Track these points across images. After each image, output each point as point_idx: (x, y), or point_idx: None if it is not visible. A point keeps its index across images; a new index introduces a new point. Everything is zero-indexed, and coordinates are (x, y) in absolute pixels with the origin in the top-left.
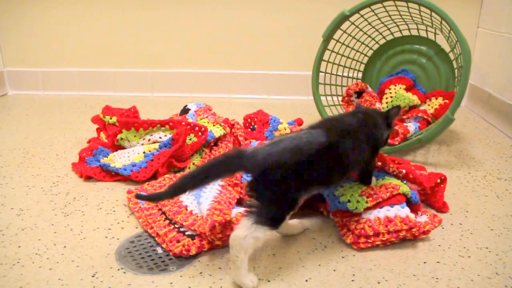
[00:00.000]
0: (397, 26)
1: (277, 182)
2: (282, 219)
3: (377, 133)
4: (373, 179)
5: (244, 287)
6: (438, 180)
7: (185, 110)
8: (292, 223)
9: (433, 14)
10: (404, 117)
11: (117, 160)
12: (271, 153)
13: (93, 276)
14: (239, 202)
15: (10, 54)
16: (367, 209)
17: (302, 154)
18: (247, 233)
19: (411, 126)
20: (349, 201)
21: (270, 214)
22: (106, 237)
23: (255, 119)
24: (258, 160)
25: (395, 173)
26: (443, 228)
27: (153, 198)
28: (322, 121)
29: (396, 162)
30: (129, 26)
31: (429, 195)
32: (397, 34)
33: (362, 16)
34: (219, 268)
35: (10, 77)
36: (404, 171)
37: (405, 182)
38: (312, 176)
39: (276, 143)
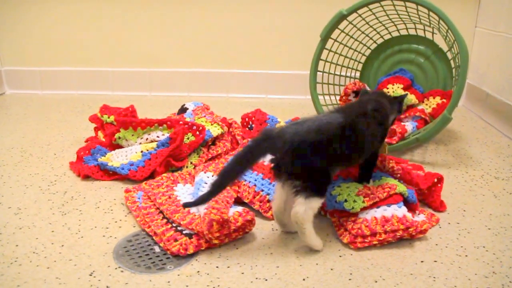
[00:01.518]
0: (395, 25)
1: (304, 158)
2: (326, 188)
3: (387, 120)
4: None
5: (316, 247)
6: (435, 180)
7: (183, 109)
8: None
9: (430, 13)
10: (402, 116)
11: (115, 159)
12: (297, 132)
13: (90, 275)
14: (237, 201)
15: (8, 53)
16: (364, 209)
17: (323, 133)
18: (305, 207)
19: (409, 125)
20: (345, 200)
21: (314, 186)
22: (103, 236)
23: (253, 118)
24: (286, 139)
25: (392, 171)
26: (440, 227)
27: (200, 201)
28: (339, 107)
29: (393, 161)
30: (127, 25)
31: (426, 195)
32: (395, 34)
33: (359, 15)
34: (217, 267)
35: (8, 76)
36: (400, 170)
37: (401, 182)
38: (334, 154)
39: (301, 123)
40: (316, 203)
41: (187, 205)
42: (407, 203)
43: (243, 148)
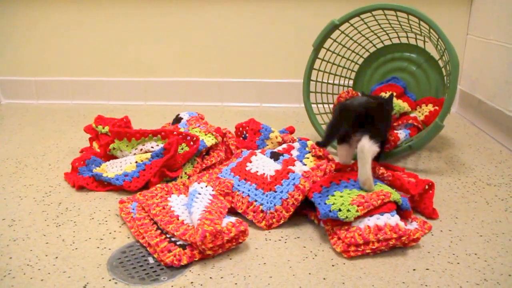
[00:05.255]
0: (387, 34)
1: (367, 119)
2: (383, 138)
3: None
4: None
5: (370, 181)
6: (426, 187)
7: (177, 119)
8: None
9: (421, 22)
10: (395, 124)
11: (110, 170)
12: (359, 104)
13: (84, 287)
14: (230, 211)
15: (3, 63)
16: (358, 217)
17: (373, 104)
18: (370, 143)
19: (402, 133)
20: (339, 210)
21: (375, 137)
22: (98, 247)
23: (247, 128)
24: (358, 109)
25: (382, 177)
26: (432, 234)
27: (324, 143)
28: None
29: (383, 168)
30: (122, 35)
31: (418, 202)
32: (387, 42)
33: (352, 25)
34: (210, 277)
35: (3, 86)
36: (390, 177)
37: (393, 188)
38: (381, 118)
39: (351, 101)
40: (375, 147)
41: (319, 143)
42: (401, 210)
43: (336, 112)
